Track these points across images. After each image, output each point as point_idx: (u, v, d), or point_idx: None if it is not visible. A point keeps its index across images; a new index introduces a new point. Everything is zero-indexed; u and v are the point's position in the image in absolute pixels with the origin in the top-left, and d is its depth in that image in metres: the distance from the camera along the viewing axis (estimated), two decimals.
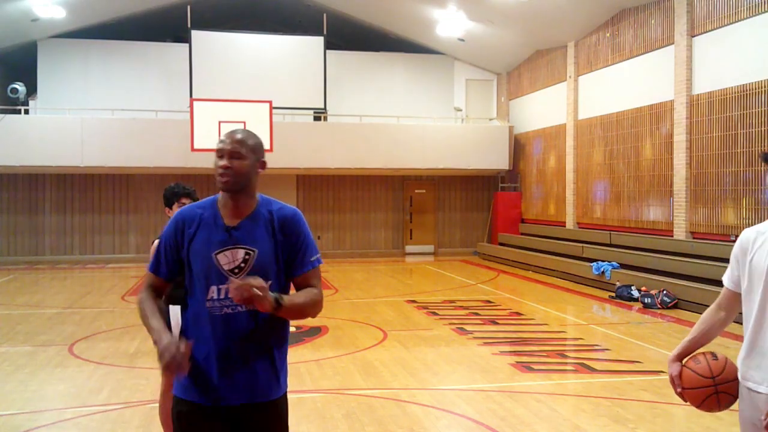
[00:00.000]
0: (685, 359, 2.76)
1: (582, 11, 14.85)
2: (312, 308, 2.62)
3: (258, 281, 2.34)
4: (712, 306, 2.81)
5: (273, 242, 2.58)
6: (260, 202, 2.64)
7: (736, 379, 2.66)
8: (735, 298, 2.74)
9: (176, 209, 4.53)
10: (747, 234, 2.67)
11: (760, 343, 2.55)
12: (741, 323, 2.70)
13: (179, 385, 2.57)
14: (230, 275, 2.49)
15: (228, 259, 2.52)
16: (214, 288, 2.51)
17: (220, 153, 2.57)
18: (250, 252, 2.54)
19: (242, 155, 2.57)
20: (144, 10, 17.78)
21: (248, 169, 2.58)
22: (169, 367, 2.34)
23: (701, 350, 2.78)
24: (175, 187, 4.63)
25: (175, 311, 4.81)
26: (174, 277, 2.64)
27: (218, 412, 2.50)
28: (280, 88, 17.86)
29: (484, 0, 15.35)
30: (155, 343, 2.41)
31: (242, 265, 2.52)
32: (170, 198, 4.59)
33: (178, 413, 2.55)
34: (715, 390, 2.65)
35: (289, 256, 2.61)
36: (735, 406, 2.68)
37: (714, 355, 2.72)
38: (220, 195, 2.63)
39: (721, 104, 11.43)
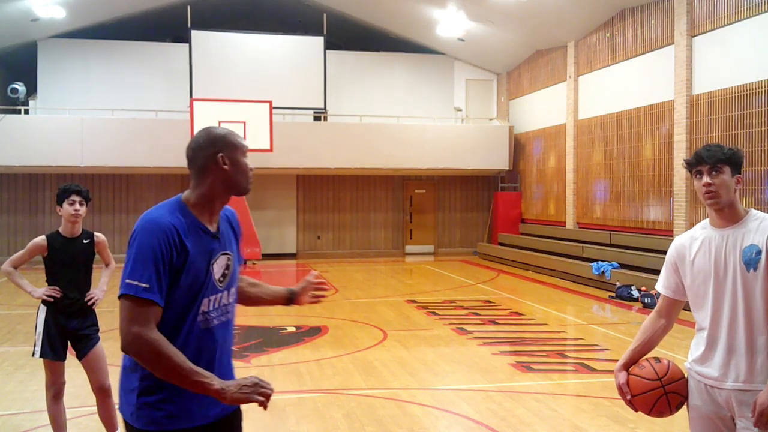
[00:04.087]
0: (630, 368, 2.84)
1: (582, 11, 14.85)
2: None
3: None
4: (652, 314, 2.93)
5: (236, 242, 2.51)
6: None
7: (683, 378, 2.75)
8: (674, 305, 2.86)
9: (66, 207, 4.54)
10: (680, 241, 2.81)
11: (731, 341, 2.62)
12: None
13: (164, 417, 2.28)
14: (218, 284, 2.36)
15: (218, 267, 2.37)
16: (206, 300, 2.32)
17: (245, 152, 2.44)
18: (230, 256, 2.44)
19: None
20: (144, 10, 17.79)
21: None
22: (268, 397, 2.21)
23: (644, 357, 2.87)
24: (65, 185, 4.67)
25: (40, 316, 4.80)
26: None
27: (217, 428, 2.39)
28: (280, 88, 17.86)
29: (484, 0, 15.36)
30: (213, 389, 2.18)
31: (226, 272, 2.40)
32: (60, 195, 4.64)
33: None
34: (664, 391, 2.72)
35: None
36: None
37: (657, 359, 2.80)
38: (186, 197, 2.36)
39: (721, 104, 11.43)
